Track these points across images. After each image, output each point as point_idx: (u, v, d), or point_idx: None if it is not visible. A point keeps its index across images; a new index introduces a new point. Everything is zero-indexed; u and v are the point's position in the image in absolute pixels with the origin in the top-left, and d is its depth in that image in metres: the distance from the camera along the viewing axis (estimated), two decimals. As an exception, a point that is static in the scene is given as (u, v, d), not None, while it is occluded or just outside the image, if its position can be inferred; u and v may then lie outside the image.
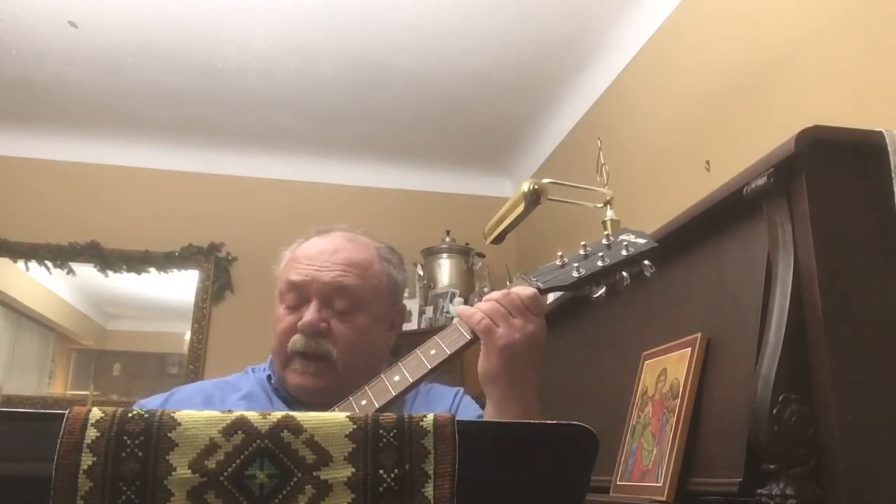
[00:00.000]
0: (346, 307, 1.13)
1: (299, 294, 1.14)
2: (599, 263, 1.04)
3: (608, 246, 1.07)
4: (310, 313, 1.12)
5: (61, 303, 3.97)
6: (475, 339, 1.00)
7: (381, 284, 1.19)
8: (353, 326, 1.13)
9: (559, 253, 1.07)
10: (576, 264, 1.05)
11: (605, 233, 1.11)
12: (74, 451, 0.57)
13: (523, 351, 0.98)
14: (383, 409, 0.97)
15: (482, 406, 1.24)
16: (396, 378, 0.99)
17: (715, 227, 1.28)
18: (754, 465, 0.97)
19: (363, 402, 0.99)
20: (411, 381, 0.98)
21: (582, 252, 1.07)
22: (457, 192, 4.26)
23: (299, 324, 1.12)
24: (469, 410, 1.20)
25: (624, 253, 1.04)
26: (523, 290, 1.01)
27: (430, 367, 0.99)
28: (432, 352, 1.00)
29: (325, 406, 1.04)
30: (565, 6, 2.81)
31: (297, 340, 1.12)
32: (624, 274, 1.05)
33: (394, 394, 0.98)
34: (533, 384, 1.01)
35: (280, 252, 1.25)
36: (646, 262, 1.05)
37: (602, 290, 1.06)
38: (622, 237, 1.08)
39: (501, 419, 0.97)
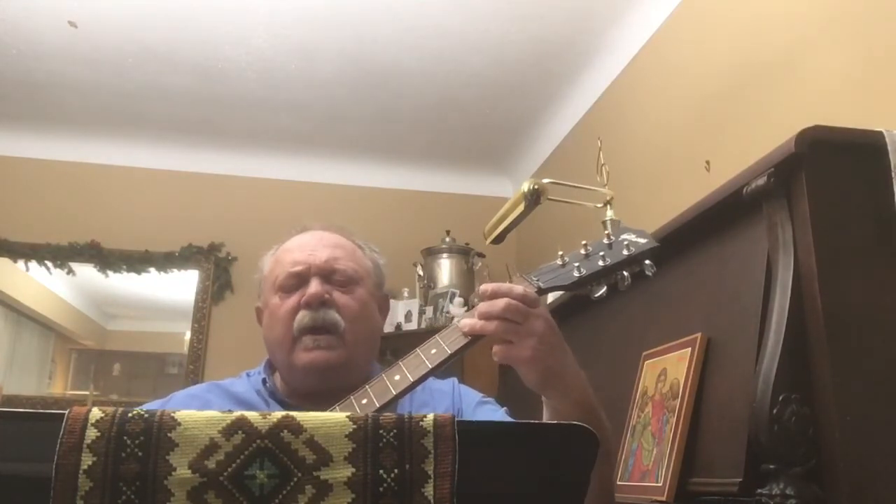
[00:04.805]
0: (344, 282, 1.15)
1: (298, 280, 1.15)
2: (600, 263, 1.04)
3: (609, 245, 1.06)
4: (313, 286, 1.12)
5: (61, 303, 3.97)
6: (476, 339, 1.00)
7: (368, 265, 1.22)
8: (355, 297, 1.15)
9: (560, 252, 1.07)
10: (576, 264, 1.05)
11: (606, 232, 1.11)
12: (74, 451, 0.57)
13: (547, 346, 0.96)
14: (384, 408, 0.97)
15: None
16: (397, 377, 0.98)
17: (715, 227, 1.28)
18: (754, 465, 0.97)
19: (364, 401, 0.98)
20: (412, 380, 0.97)
21: (583, 251, 1.07)
22: (457, 192, 4.26)
23: (303, 298, 1.12)
24: (471, 396, 1.21)
25: (625, 253, 1.04)
26: (513, 290, 0.97)
27: (430, 366, 0.98)
28: (433, 351, 0.99)
29: (329, 392, 1.05)
30: (565, 7, 2.81)
31: (303, 316, 1.11)
32: (625, 274, 1.05)
33: (394, 393, 0.97)
34: (573, 364, 0.99)
35: (262, 259, 1.25)
36: (647, 261, 1.04)
37: (603, 290, 1.05)
38: (623, 236, 1.07)
39: (571, 413, 0.96)
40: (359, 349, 1.13)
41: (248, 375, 1.24)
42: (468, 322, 0.97)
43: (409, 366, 0.99)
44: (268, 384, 1.18)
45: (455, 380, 1.25)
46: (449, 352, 0.98)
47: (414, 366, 0.99)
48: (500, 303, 0.94)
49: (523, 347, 0.94)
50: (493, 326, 0.95)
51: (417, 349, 1.01)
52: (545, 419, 1.01)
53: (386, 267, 1.28)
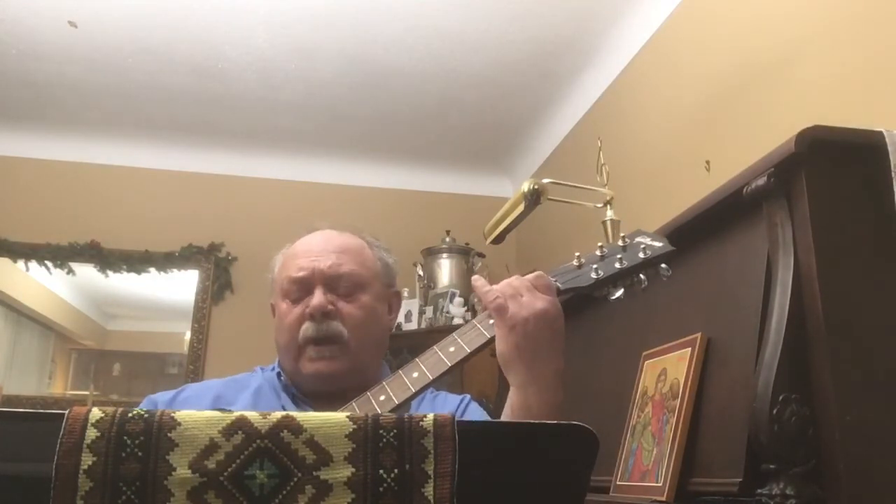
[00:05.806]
0: (348, 289, 1.16)
1: (302, 286, 1.16)
2: (617, 265, 1.04)
3: (624, 248, 1.07)
4: (316, 298, 1.14)
5: (61, 303, 3.97)
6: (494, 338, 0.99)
7: (376, 266, 1.23)
8: (359, 305, 1.16)
9: (576, 254, 1.08)
10: (594, 265, 1.05)
11: (622, 234, 1.11)
12: (74, 451, 0.57)
13: (535, 328, 0.95)
14: (402, 405, 0.96)
15: (488, 411, 1.24)
16: (415, 374, 0.98)
17: (715, 227, 1.28)
18: (754, 465, 0.97)
19: (381, 398, 0.97)
20: (431, 378, 0.96)
21: (598, 253, 1.07)
22: (457, 192, 4.26)
23: (308, 309, 1.14)
24: (476, 416, 1.20)
25: (641, 255, 1.04)
26: (529, 274, 1.02)
27: (449, 364, 0.97)
28: (451, 349, 0.98)
29: (340, 393, 1.05)
30: (565, 6, 2.81)
31: (307, 328, 1.14)
32: (641, 276, 1.05)
33: (413, 390, 0.96)
34: (551, 366, 0.97)
35: (272, 258, 1.27)
36: (663, 265, 1.05)
37: (620, 292, 1.06)
38: (638, 239, 1.08)
39: (524, 404, 0.96)
40: (363, 355, 1.15)
41: (261, 370, 1.26)
42: (480, 278, 1.03)
43: (427, 363, 0.98)
44: (282, 378, 1.20)
45: (468, 396, 1.25)
46: (468, 350, 0.98)
47: (432, 363, 0.98)
48: (513, 278, 1.01)
49: (514, 311, 0.96)
50: (500, 286, 0.98)
51: (435, 347, 1.00)
52: (503, 414, 1.01)
53: (397, 263, 1.29)
